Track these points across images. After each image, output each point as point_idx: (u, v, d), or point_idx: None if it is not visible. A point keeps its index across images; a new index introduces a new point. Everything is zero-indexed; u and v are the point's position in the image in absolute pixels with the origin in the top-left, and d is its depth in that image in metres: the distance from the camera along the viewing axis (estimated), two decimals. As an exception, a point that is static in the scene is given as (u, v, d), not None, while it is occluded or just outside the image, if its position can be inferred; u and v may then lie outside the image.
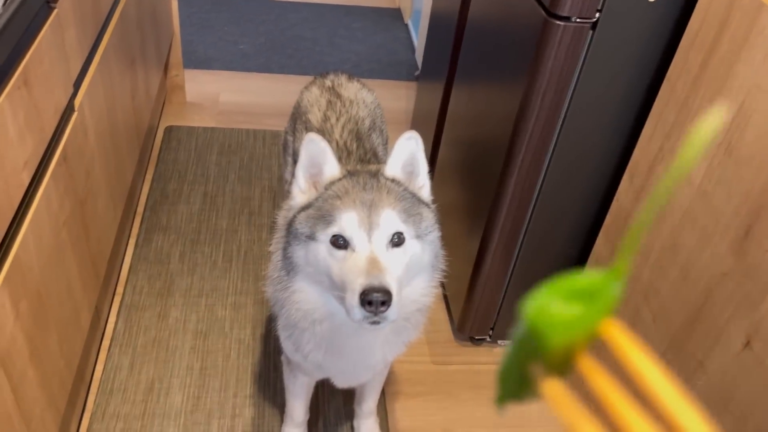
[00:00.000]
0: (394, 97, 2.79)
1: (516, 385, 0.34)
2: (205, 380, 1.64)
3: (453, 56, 1.91)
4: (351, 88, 1.52)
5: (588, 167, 1.46)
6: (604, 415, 0.28)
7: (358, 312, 0.87)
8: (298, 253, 0.98)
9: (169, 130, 2.43)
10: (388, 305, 0.86)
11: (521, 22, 1.39)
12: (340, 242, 0.92)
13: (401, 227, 0.93)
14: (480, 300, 1.72)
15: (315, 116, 1.42)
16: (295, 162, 1.44)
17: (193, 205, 2.13)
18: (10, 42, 0.93)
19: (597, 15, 1.24)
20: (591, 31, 1.26)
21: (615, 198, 1.43)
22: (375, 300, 0.85)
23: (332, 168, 1.01)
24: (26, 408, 1.04)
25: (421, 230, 0.97)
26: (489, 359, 1.78)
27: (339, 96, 1.48)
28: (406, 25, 3.38)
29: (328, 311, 1.01)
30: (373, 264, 0.89)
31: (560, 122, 1.38)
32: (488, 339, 1.81)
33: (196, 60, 2.86)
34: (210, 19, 3.21)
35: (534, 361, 0.32)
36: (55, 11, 1.17)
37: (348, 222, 0.92)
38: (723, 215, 1.09)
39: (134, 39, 1.84)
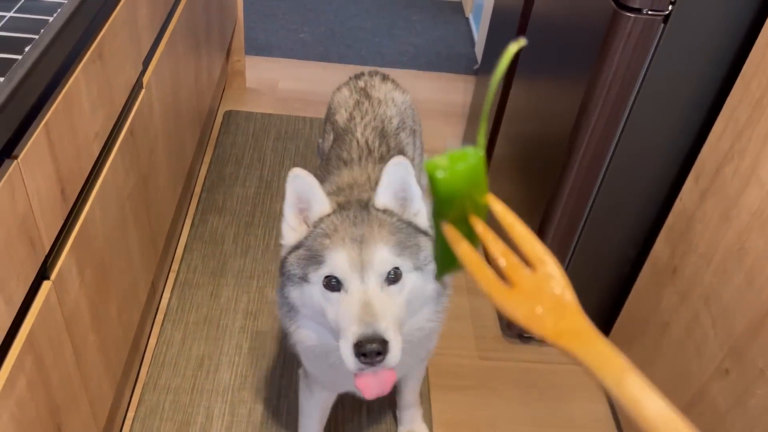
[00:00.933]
0: (452, 89, 2.77)
1: (445, 259, 0.45)
2: (253, 360, 1.67)
3: (515, 49, 1.88)
4: (382, 89, 1.47)
5: (651, 165, 1.42)
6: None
7: (353, 363, 0.82)
8: (294, 294, 0.94)
9: (228, 114, 2.47)
10: (385, 354, 0.81)
11: (589, 13, 1.35)
12: (332, 283, 0.87)
13: (396, 262, 0.88)
14: (530, 297, 1.69)
15: (341, 117, 1.40)
16: (322, 164, 1.43)
17: (249, 189, 2.17)
18: (88, 15, 0.96)
19: (670, 8, 1.20)
20: (662, 24, 1.22)
21: (678, 198, 1.38)
22: (369, 351, 0.80)
23: (321, 203, 0.94)
24: (86, 370, 1.08)
25: (420, 261, 0.91)
26: (536, 358, 1.76)
27: (368, 96, 1.44)
28: (467, 19, 3.35)
29: (334, 346, 0.92)
30: (367, 309, 0.83)
31: (625, 118, 1.34)
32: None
33: (257, 46, 2.90)
34: (272, 7, 3.26)
35: (443, 216, 0.43)
36: (130, -10, 1.21)
37: (338, 262, 0.87)
38: (796, 219, 1.04)
39: (200, 22, 1.88)
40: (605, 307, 1.69)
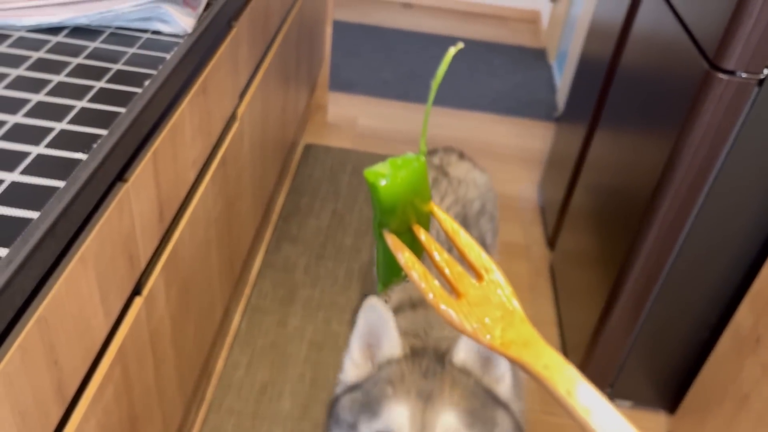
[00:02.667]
0: (531, 135, 2.77)
1: (388, 265, 0.45)
2: (315, 390, 1.69)
3: (599, 100, 1.88)
4: (461, 167, 1.36)
5: (737, 230, 1.37)
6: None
7: None
8: None
9: (308, 147, 2.55)
10: None
11: (680, 71, 1.34)
12: None
13: None
14: (601, 354, 1.65)
15: None
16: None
17: (323, 221, 2.22)
18: (199, 52, 1.03)
19: (765, 71, 1.18)
20: (757, 88, 1.20)
21: (765, 265, 1.33)
22: None
23: (392, 344, 0.83)
24: (162, 385, 1.13)
25: None
26: (602, 417, 1.70)
27: (446, 174, 1.32)
28: (549, 65, 3.36)
29: None
30: None
31: (711, 180, 1.31)
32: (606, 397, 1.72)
33: (339, 83, 3.00)
34: (357, 45, 3.37)
35: (385, 225, 0.42)
36: (234, 30, 1.29)
37: (397, 418, 0.76)
38: None
39: (291, 59, 1.97)
40: (680, 372, 1.63)
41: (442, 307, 0.36)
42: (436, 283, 0.39)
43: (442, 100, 2.96)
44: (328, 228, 2.20)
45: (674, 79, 1.37)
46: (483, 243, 1.21)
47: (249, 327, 1.83)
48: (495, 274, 0.38)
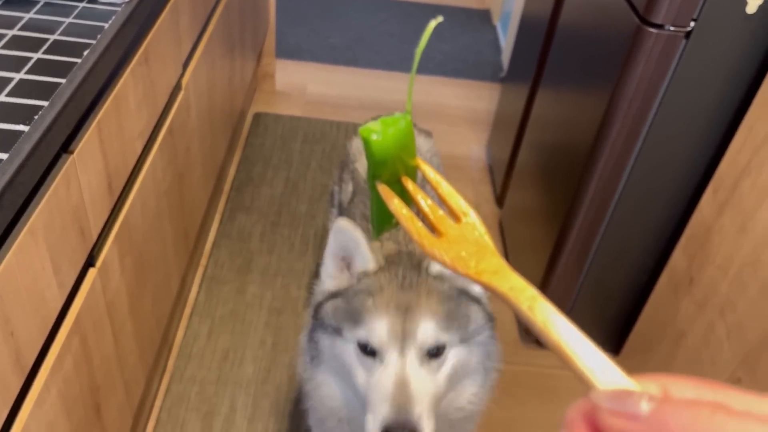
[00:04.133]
0: (477, 97, 2.82)
1: (380, 213, 0.49)
2: (276, 355, 1.72)
3: (541, 59, 1.92)
4: None
5: (670, 177, 1.45)
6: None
7: None
8: (324, 342, 0.88)
9: (257, 116, 2.54)
10: None
11: (613, 27, 1.39)
12: (368, 350, 0.81)
13: (442, 338, 0.81)
14: (550, 301, 1.73)
15: (362, 166, 1.28)
16: (340, 214, 1.30)
17: (276, 189, 2.23)
18: (138, 21, 1.02)
19: (692, 24, 1.24)
20: (684, 41, 1.26)
21: (697, 210, 1.41)
22: None
23: (366, 260, 0.86)
24: (122, 356, 1.14)
25: (469, 333, 0.85)
26: (554, 363, 1.79)
27: None
28: (494, 27, 3.39)
29: (356, 409, 0.87)
30: (402, 389, 0.77)
31: (645, 131, 1.37)
32: (553, 342, 1.81)
33: (287, 50, 2.98)
34: (303, 12, 3.33)
35: (377, 177, 0.47)
36: (173, -3, 1.28)
37: (377, 330, 0.80)
38: (811, 233, 1.07)
39: (235, 26, 1.95)
40: (623, 315, 1.72)
41: (426, 244, 0.42)
42: (421, 225, 0.44)
43: (390, 65, 2.97)
44: (281, 196, 2.21)
45: (608, 35, 1.42)
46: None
47: (207, 297, 1.85)
48: (471, 216, 0.44)
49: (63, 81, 0.82)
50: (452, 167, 2.40)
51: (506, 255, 2.09)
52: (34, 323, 0.80)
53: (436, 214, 0.44)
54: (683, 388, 0.27)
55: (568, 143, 1.62)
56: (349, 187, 1.31)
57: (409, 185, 0.48)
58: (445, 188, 0.46)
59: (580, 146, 1.51)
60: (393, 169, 0.48)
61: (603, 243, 1.57)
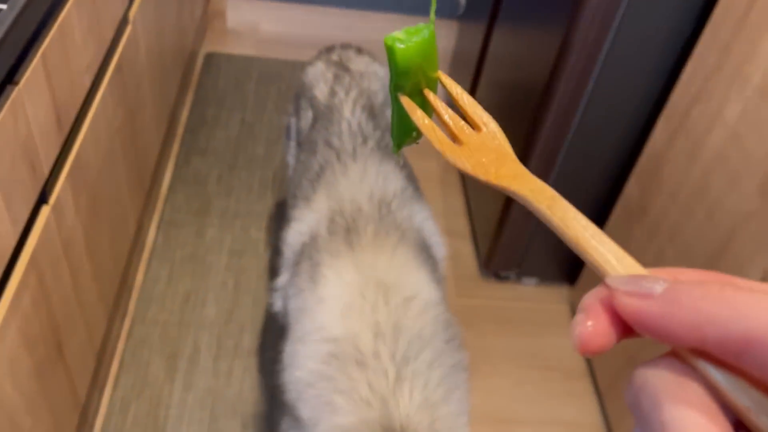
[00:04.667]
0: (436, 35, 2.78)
1: (402, 126, 0.49)
2: (238, 296, 1.73)
3: (497, -6, 1.91)
4: (361, 61, 1.37)
5: (625, 109, 1.47)
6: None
7: None
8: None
9: (209, 56, 2.46)
10: None
11: (570, -43, 1.39)
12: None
13: None
14: (508, 237, 1.77)
15: (321, 91, 1.29)
16: (298, 145, 1.33)
17: (231, 131, 2.19)
18: (79, -55, 0.97)
19: (647, -47, 1.24)
20: (639, -30, 1.26)
21: (649, 140, 1.45)
22: None
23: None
24: (82, 296, 1.13)
25: None
26: (513, 295, 1.85)
27: (347, 69, 1.33)
28: (448, -34, 3.33)
29: None
30: None
31: (599, 64, 1.39)
32: (513, 276, 1.86)
33: (237, -11, 2.87)
34: (252, -50, 3.20)
35: (400, 89, 0.47)
36: None
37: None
38: (754, 156, 1.11)
39: (182, -39, 1.87)
40: (577, 247, 1.77)
41: (448, 152, 0.43)
42: (443, 134, 0.45)
43: (345, 2, 2.90)
44: (237, 138, 2.17)
45: (565, -35, 1.42)
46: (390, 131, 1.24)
47: (166, 240, 1.82)
48: (491, 126, 0.45)
49: (4, 7, 0.78)
50: (410, 107, 2.39)
51: (466, 194, 2.11)
52: (-12, 259, 0.78)
53: (458, 124, 0.45)
54: (691, 276, 0.29)
55: (525, 80, 1.63)
56: (309, 114, 1.31)
57: (431, 97, 0.48)
58: (467, 100, 0.47)
59: (536, 82, 1.52)
60: (415, 80, 0.47)
61: (559, 177, 1.60)
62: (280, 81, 2.42)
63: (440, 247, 1.14)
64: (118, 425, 1.43)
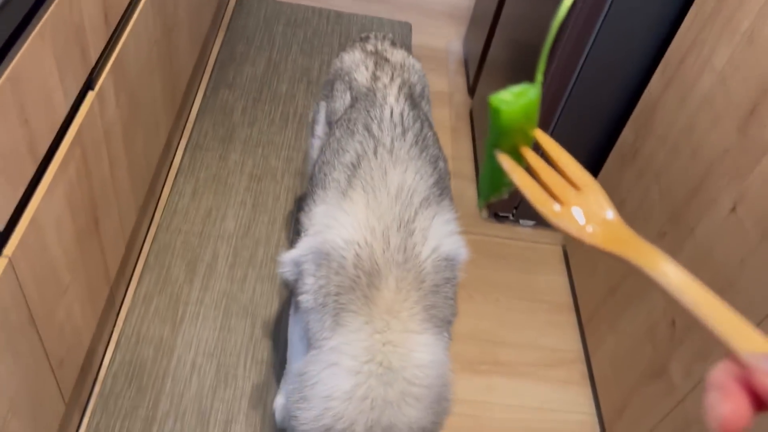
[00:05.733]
0: (457, -7, 2.86)
1: (493, 182, 0.50)
2: (255, 215, 1.86)
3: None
4: (398, 54, 1.38)
5: (623, 60, 1.56)
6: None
7: None
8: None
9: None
10: None
11: None
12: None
13: None
14: (509, 180, 1.87)
15: (362, 75, 1.28)
16: (329, 124, 1.31)
17: (258, 68, 2.31)
18: None
19: None
20: None
21: (647, 88, 1.54)
22: None
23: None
24: (117, 184, 1.27)
25: None
26: (510, 235, 1.96)
27: (387, 60, 1.34)
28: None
29: None
30: None
31: (602, 16, 1.47)
32: (511, 217, 1.97)
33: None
34: None
35: (498, 147, 0.49)
36: None
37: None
38: (736, 96, 1.21)
39: None
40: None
41: (551, 215, 0.42)
42: (545, 195, 0.44)
43: (374, -44, 2.98)
44: (263, 75, 2.29)
45: None
46: (428, 121, 1.25)
47: (191, 161, 1.96)
48: (594, 188, 0.43)
49: None
50: (430, 58, 2.49)
51: (474, 141, 2.22)
52: (45, 119, 0.92)
53: (558, 184, 0.44)
54: None
55: (532, 37, 1.72)
56: (347, 96, 1.29)
57: (530, 156, 0.48)
58: (566, 159, 0.46)
59: (541, 37, 1.61)
60: (514, 139, 0.48)
61: (560, 123, 1.70)
62: (306, 26, 2.52)
63: (461, 251, 1.08)
64: (140, 314, 1.59)
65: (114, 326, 1.54)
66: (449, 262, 1.02)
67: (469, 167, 2.13)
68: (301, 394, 0.92)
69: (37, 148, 0.90)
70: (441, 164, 1.15)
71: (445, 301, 0.99)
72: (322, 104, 1.41)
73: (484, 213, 2.00)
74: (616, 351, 1.52)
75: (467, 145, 2.21)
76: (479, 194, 0.52)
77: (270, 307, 1.66)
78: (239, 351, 1.57)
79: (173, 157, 1.95)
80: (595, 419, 1.58)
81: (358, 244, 0.94)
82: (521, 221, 1.97)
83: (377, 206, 0.99)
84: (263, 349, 1.58)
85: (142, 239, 1.71)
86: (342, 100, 1.29)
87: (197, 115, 2.10)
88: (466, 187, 2.07)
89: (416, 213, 1.00)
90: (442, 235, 1.01)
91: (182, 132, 2.03)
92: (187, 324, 1.60)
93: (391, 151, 1.07)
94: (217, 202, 1.87)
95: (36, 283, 0.93)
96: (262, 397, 1.49)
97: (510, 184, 0.48)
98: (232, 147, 2.03)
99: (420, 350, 0.93)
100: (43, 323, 0.97)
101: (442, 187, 1.11)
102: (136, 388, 1.47)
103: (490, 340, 1.70)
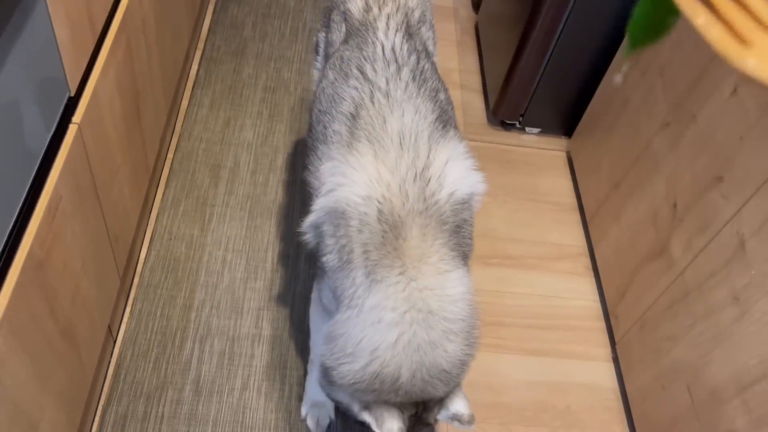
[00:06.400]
0: None
1: (652, 23, 0.44)
2: (272, 124, 1.93)
3: None
4: None
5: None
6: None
7: None
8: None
9: None
10: None
11: None
12: None
13: None
14: (514, 90, 1.95)
15: (355, 5, 1.21)
16: (326, 57, 1.27)
17: (265, -15, 2.33)
18: None
19: None
20: None
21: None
22: None
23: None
24: (153, 77, 1.33)
25: None
26: (515, 142, 2.05)
27: None
28: None
29: None
30: None
31: None
32: (517, 125, 2.05)
33: None
34: None
35: None
36: None
37: None
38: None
39: None
40: (577, 103, 1.95)
41: (733, 54, 0.37)
42: (724, 31, 0.38)
43: None
44: (270, -8, 2.32)
45: None
46: (426, 50, 1.20)
47: (207, 74, 2.01)
48: None
49: None
50: (433, -25, 2.51)
51: (480, 54, 2.28)
52: (97, 3, 0.98)
53: (743, 19, 0.37)
54: None
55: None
56: (343, 28, 1.24)
57: None
58: None
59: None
60: None
61: (562, 37, 1.77)
62: (312, -58, 2.53)
63: (478, 187, 1.06)
64: (171, 216, 1.67)
65: (147, 225, 1.63)
66: (466, 203, 1.03)
67: (476, 79, 2.20)
68: (343, 353, 0.95)
69: (95, 24, 0.97)
70: (441, 96, 1.12)
71: (464, 239, 1.03)
72: (321, 35, 1.38)
73: (491, 121, 2.08)
74: (619, 240, 1.63)
75: (473, 58, 2.26)
76: (630, 40, 0.45)
77: (292, 208, 1.75)
78: (266, 247, 1.67)
79: (189, 70, 2.00)
80: (599, 304, 1.71)
81: (378, 201, 0.94)
82: (527, 129, 2.06)
83: (387, 158, 0.98)
84: (288, 246, 1.67)
85: (167, 147, 1.78)
86: (338, 32, 1.26)
87: (209, 30, 2.14)
88: (473, 98, 2.14)
89: (428, 159, 0.99)
90: (458, 178, 1.01)
91: (196, 47, 2.07)
92: (216, 224, 1.69)
93: (387, 95, 1.04)
94: (235, 112, 1.94)
95: (98, 155, 1.01)
96: (291, 287, 1.60)
97: (670, 26, 0.43)
98: (245, 61, 2.08)
99: (453, 286, 0.96)
100: (103, 194, 1.06)
101: (444, 120, 1.08)
102: (172, 280, 1.57)
103: (499, 237, 1.81)
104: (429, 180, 0.97)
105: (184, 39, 1.68)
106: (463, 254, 1.02)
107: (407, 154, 0.98)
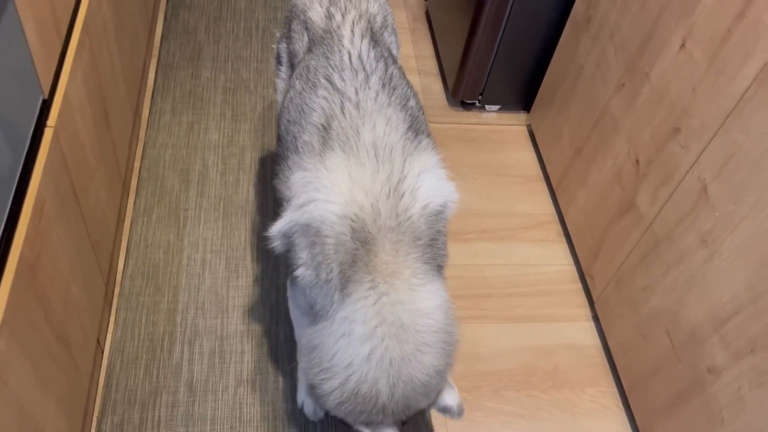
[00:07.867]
0: None
1: None
2: (236, 124, 1.93)
3: None
4: None
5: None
6: None
7: None
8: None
9: None
10: None
11: None
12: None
13: None
14: (471, 70, 1.99)
15: (316, 13, 1.19)
16: (291, 67, 1.24)
17: (213, -11, 2.33)
18: None
19: None
20: None
21: (593, -42, 1.66)
22: None
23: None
24: (116, 81, 1.32)
25: None
26: (476, 121, 2.09)
27: None
28: None
29: None
30: None
31: None
32: (477, 103, 2.10)
33: None
34: None
35: None
36: None
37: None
38: (676, -55, 1.34)
39: None
40: (533, 77, 2.01)
41: None
42: None
43: None
44: (220, -5, 2.31)
45: None
46: (391, 55, 1.18)
47: (165, 81, 2.00)
48: None
49: None
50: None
51: (434, 39, 2.32)
52: (60, 6, 0.98)
53: None
54: None
55: None
56: (305, 37, 1.22)
57: None
58: None
59: None
60: None
61: (514, 10, 1.81)
62: (255, -58, 2.53)
63: (452, 196, 1.05)
64: (144, 223, 1.66)
65: (122, 234, 1.62)
66: (440, 214, 1.02)
67: (432, 64, 2.24)
68: (320, 368, 0.96)
69: (60, 25, 0.97)
70: (412, 103, 1.10)
71: (439, 250, 1.02)
72: (282, 46, 1.35)
73: (451, 102, 2.12)
74: (587, 203, 1.69)
75: (428, 44, 2.30)
76: None
77: (266, 206, 1.76)
78: (244, 245, 1.67)
79: (147, 79, 1.98)
80: (574, 267, 1.76)
81: (351, 219, 0.93)
82: (487, 107, 2.11)
83: (362, 172, 0.96)
84: (267, 242, 1.68)
85: (133, 155, 1.77)
86: (300, 42, 1.23)
87: (162, 37, 2.12)
88: (431, 82, 2.18)
89: (402, 172, 0.98)
90: (431, 190, 1.00)
91: (151, 55, 2.05)
92: (191, 227, 1.68)
93: (357, 106, 1.02)
94: (197, 116, 1.93)
95: (73, 159, 1.01)
96: (273, 281, 1.61)
97: None
98: (202, 64, 2.08)
99: (425, 299, 0.96)
100: (82, 198, 1.05)
101: (416, 129, 1.06)
102: (154, 287, 1.56)
103: (472, 213, 1.85)
104: (402, 195, 0.96)
105: (142, 46, 1.67)
106: (438, 266, 1.01)
107: (382, 168, 0.97)
